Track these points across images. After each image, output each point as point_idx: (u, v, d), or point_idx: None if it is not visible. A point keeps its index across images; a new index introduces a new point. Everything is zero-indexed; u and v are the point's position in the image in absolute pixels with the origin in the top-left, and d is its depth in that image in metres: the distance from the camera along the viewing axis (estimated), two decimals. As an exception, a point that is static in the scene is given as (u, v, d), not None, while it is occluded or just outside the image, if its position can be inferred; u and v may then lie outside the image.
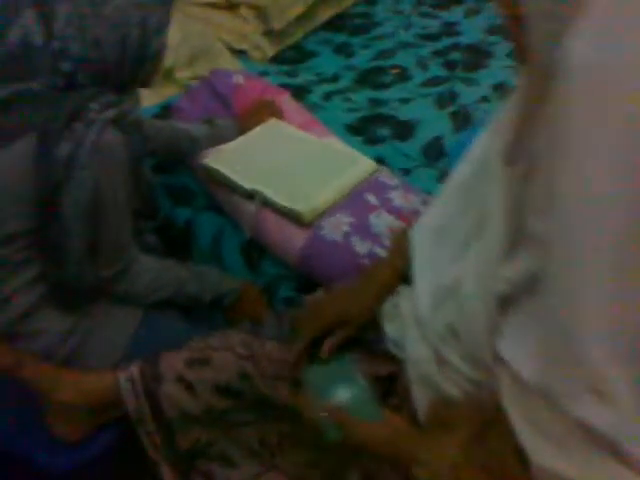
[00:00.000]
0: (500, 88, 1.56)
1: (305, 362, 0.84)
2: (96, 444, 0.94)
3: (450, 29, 1.87)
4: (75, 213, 0.85)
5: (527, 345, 0.61)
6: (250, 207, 1.10)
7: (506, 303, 0.65)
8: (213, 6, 1.77)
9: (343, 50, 1.80)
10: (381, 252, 0.98)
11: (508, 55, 1.70)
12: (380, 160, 1.26)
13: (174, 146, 1.22)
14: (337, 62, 1.74)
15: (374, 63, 1.71)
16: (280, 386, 0.88)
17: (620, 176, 0.49)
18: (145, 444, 0.91)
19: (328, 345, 0.82)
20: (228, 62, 1.62)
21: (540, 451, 0.59)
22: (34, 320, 0.94)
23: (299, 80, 1.62)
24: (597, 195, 0.50)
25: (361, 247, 0.99)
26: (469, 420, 0.66)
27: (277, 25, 1.71)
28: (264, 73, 1.62)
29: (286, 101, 1.34)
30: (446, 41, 1.80)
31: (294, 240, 1.05)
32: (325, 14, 1.89)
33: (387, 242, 0.99)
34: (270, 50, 1.73)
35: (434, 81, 1.61)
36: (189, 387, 0.89)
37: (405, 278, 0.86)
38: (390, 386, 0.84)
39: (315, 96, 1.54)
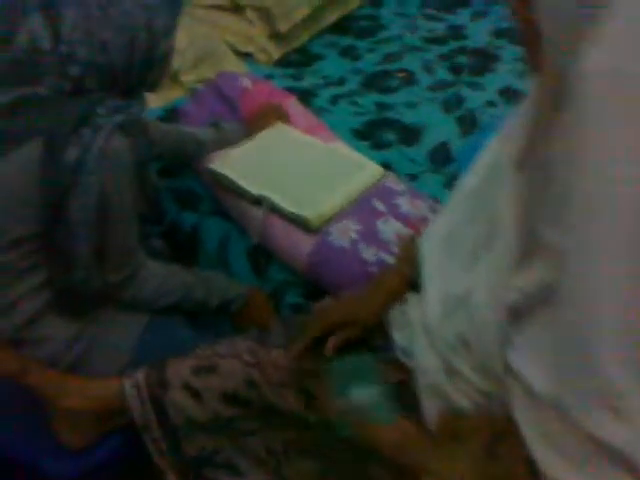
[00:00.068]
0: (507, 92, 1.55)
1: (307, 361, 0.83)
2: (101, 451, 0.94)
3: (456, 32, 1.86)
4: (82, 218, 0.84)
5: (539, 357, 0.60)
6: (257, 212, 1.09)
7: (518, 314, 0.64)
8: (218, 8, 1.77)
9: (349, 53, 1.80)
10: (388, 259, 0.97)
11: (515, 59, 1.70)
12: (386, 165, 1.25)
13: (180, 150, 1.22)
14: (343, 65, 1.73)
15: (380, 67, 1.71)
16: (286, 394, 0.87)
17: (637, 184, 0.48)
18: (151, 451, 0.90)
19: (332, 342, 0.81)
20: (233, 65, 1.62)
21: (552, 464, 0.58)
22: (40, 326, 0.93)
23: (305, 83, 1.62)
24: (614, 203, 0.50)
25: (368, 254, 0.99)
26: (479, 431, 0.66)
27: (283, 27, 1.71)
28: (269, 76, 1.61)
29: (292, 105, 1.34)
30: (452, 45, 1.80)
31: (301, 246, 1.05)
32: (330, 17, 1.88)
33: (394, 249, 0.98)
34: (276, 53, 1.72)
35: (440, 85, 1.61)
36: (195, 394, 0.88)
37: (413, 285, 0.85)
38: (398, 394, 0.83)
39: (321, 100, 1.53)
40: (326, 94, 1.56)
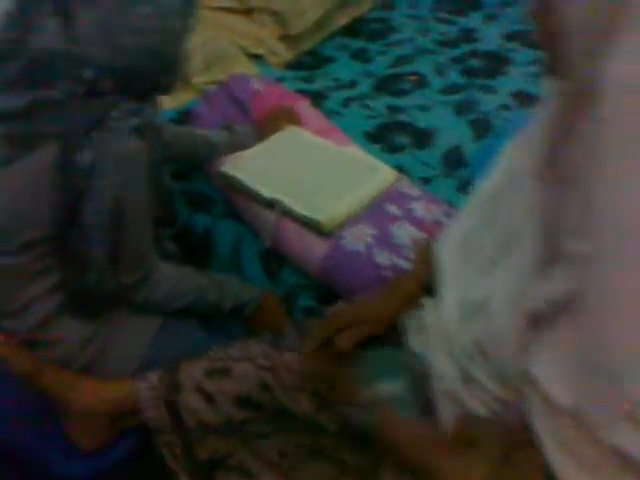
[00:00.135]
0: (520, 96, 1.55)
1: (319, 362, 0.82)
2: (114, 452, 0.94)
3: (468, 35, 1.85)
4: (96, 222, 0.84)
5: (559, 365, 0.60)
6: (270, 216, 1.09)
7: (537, 322, 0.64)
8: (229, 10, 1.77)
9: (360, 56, 1.79)
10: (403, 263, 0.97)
11: (527, 62, 1.69)
12: (399, 168, 1.24)
13: (193, 152, 1.22)
14: (354, 68, 1.73)
15: (392, 70, 1.70)
16: (300, 397, 0.87)
17: None
18: (164, 453, 0.90)
19: (343, 338, 0.80)
20: (245, 67, 1.61)
21: (570, 473, 0.58)
22: (53, 328, 0.93)
23: (316, 86, 1.62)
24: (635, 211, 0.49)
25: (383, 258, 0.98)
26: (496, 439, 0.65)
27: (294, 30, 1.71)
28: (281, 78, 1.61)
29: (305, 108, 1.33)
30: (464, 48, 1.79)
31: (314, 250, 1.04)
32: (342, 19, 1.88)
33: (409, 253, 0.98)
34: (287, 55, 1.72)
35: (453, 88, 1.60)
36: (208, 397, 0.88)
37: (429, 290, 0.85)
38: (422, 392, 0.82)
39: (332, 102, 1.53)
40: (337, 97, 1.56)
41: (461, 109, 1.51)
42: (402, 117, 1.49)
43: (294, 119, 1.28)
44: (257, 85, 1.36)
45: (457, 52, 1.77)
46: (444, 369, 0.75)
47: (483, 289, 0.72)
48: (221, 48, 1.59)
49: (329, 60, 1.78)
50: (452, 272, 0.82)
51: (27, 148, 0.84)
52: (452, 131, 1.43)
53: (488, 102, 1.53)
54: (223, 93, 1.37)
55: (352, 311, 0.85)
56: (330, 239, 1.04)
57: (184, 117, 1.44)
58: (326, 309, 0.96)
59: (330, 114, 1.43)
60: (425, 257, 0.89)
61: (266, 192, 1.11)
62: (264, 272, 1.14)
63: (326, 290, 1.07)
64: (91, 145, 0.81)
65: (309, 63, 1.76)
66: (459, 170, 1.32)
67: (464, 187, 1.27)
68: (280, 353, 0.88)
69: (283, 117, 1.27)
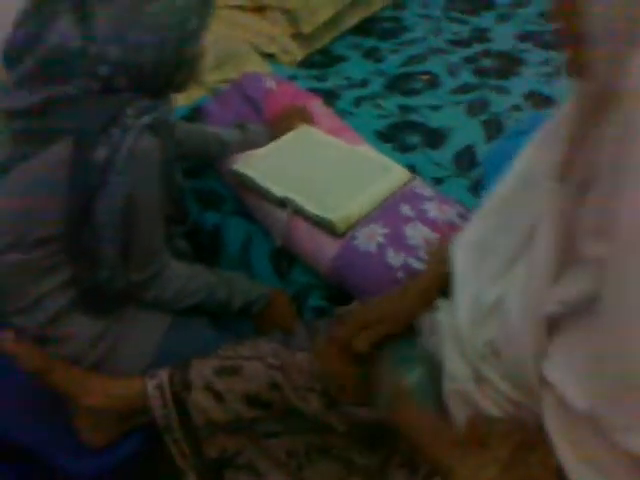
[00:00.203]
0: (532, 97, 1.53)
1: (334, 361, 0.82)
2: (122, 450, 0.94)
3: (481, 35, 1.84)
4: (109, 220, 0.84)
5: (574, 368, 0.60)
6: (281, 215, 1.08)
7: (553, 324, 0.63)
8: (242, 8, 1.77)
9: (372, 55, 1.79)
10: (416, 264, 0.96)
11: (540, 63, 1.68)
12: (411, 168, 1.24)
13: (204, 150, 1.22)
14: (366, 67, 1.72)
15: (403, 69, 1.70)
16: (310, 397, 0.86)
17: None
18: (172, 452, 0.90)
19: (361, 339, 0.80)
20: (257, 65, 1.61)
21: (583, 477, 0.58)
22: (64, 324, 0.93)
23: (328, 84, 1.61)
24: None
25: (395, 259, 0.97)
26: (509, 437, 0.65)
27: (306, 29, 1.70)
28: (293, 77, 1.60)
29: (317, 107, 1.33)
30: (477, 47, 1.78)
31: (326, 249, 1.04)
32: (354, 18, 1.88)
33: (422, 254, 0.97)
34: (299, 54, 1.72)
35: (465, 88, 1.59)
36: (218, 396, 0.88)
37: (443, 291, 0.84)
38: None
39: (344, 102, 1.53)
40: (349, 96, 1.55)
41: (473, 109, 1.50)
42: (414, 117, 1.48)
43: (307, 118, 1.27)
44: (270, 84, 1.35)
45: (470, 52, 1.76)
46: (456, 369, 0.75)
47: (498, 290, 0.71)
48: (233, 46, 1.59)
49: (341, 59, 1.78)
50: (466, 274, 0.81)
51: (42, 144, 0.84)
52: (464, 131, 1.43)
53: (500, 103, 1.52)
54: (235, 91, 1.36)
55: (368, 311, 0.85)
56: (342, 239, 1.03)
57: (194, 114, 1.43)
58: (336, 309, 0.96)
59: (342, 113, 1.42)
60: (440, 257, 0.88)
61: (278, 191, 1.10)
62: (274, 271, 1.14)
63: (336, 290, 1.07)
64: (106, 142, 0.81)
65: (321, 62, 1.76)
66: (471, 171, 1.31)
67: (476, 188, 1.27)
68: (291, 353, 0.88)
69: (296, 116, 1.27)
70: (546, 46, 1.76)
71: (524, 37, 1.81)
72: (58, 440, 0.93)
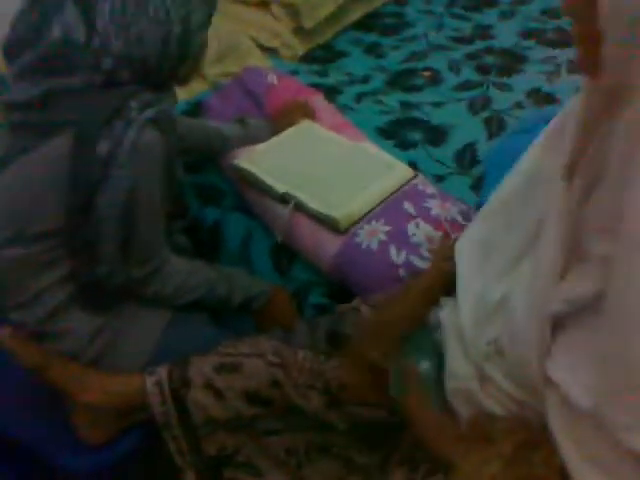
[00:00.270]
0: (534, 94, 1.53)
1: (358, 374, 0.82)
2: (121, 447, 0.93)
3: (483, 32, 1.83)
4: (110, 213, 0.83)
5: (578, 367, 0.60)
6: (282, 211, 1.07)
7: (558, 323, 0.63)
8: (244, 3, 1.75)
9: (373, 50, 1.78)
10: (418, 262, 0.96)
11: (543, 61, 1.67)
12: (412, 165, 1.23)
13: (205, 145, 1.21)
14: (367, 63, 1.71)
15: (405, 65, 1.69)
16: (311, 395, 0.86)
17: None
18: (171, 449, 0.90)
19: (375, 352, 0.79)
20: (258, 60, 1.60)
21: (586, 476, 0.58)
22: (62, 320, 0.92)
23: (330, 80, 1.60)
24: None
25: (397, 256, 0.97)
26: (512, 435, 0.65)
27: (308, 24, 1.69)
28: (294, 72, 1.59)
29: (319, 102, 1.32)
30: (479, 44, 1.77)
31: (327, 246, 1.03)
32: (356, 13, 1.87)
33: (425, 252, 0.97)
34: (300, 49, 1.71)
35: (467, 85, 1.58)
36: (218, 393, 0.88)
37: (448, 287, 0.84)
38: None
39: (345, 97, 1.51)
40: (351, 92, 1.55)
41: (475, 106, 1.49)
42: (415, 113, 1.47)
43: (309, 113, 1.26)
44: (271, 78, 1.34)
45: (472, 49, 1.75)
46: (459, 368, 0.75)
47: (503, 288, 0.71)
48: (234, 40, 1.58)
49: (342, 54, 1.77)
50: (470, 273, 0.81)
51: (42, 137, 0.83)
52: (465, 129, 1.42)
53: (502, 100, 1.51)
54: (236, 86, 1.35)
55: (379, 320, 0.83)
56: (344, 236, 1.02)
57: (195, 109, 1.42)
58: (337, 306, 0.95)
59: (343, 109, 1.41)
60: (443, 255, 0.88)
61: (279, 187, 1.09)
62: (274, 267, 1.13)
63: (337, 287, 1.06)
64: (109, 135, 0.80)
65: (322, 57, 1.75)
66: (472, 168, 1.30)
67: (477, 185, 1.26)
68: (292, 350, 0.88)
69: (297, 111, 1.26)
70: (549, 44, 1.75)
71: (527, 34, 1.80)
72: (56, 437, 0.92)
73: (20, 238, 0.88)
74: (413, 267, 0.96)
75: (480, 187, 1.25)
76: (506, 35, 1.80)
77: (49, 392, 0.91)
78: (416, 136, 1.39)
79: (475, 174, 1.29)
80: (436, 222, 1.01)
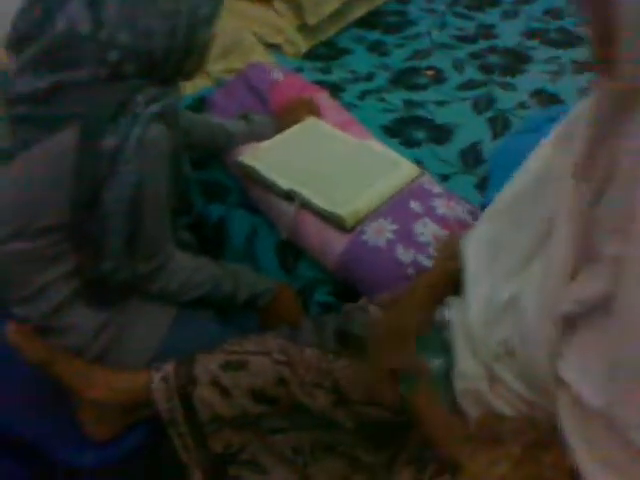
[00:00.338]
0: (538, 94, 1.53)
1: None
2: (126, 443, 0.93)
3: (486, 31, 1.83)
4: (116, 208, 0.82)
5: (590, 368, 0.60)
6: (288, 208, 1.07)
7: (570, 324, 0.63)
8: (247, -1, 1.74)
9: (377, 48, 1.77)
10: (426, 262, 0.96)
11: (546, 61, 1.67)
12: (417, 164, 1.23)
13: (210, 141, 1.20)
14: (371, 60, 1.71)
15: (409, 63, 1.68)
16: (317, 393, 0.86)
17: None
18: (177, 446, 0.89)
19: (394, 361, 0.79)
20: (261, 56, 1.59)
21: (597, 475, 0.58)
22: (67, 315, 0.92)
23: (333, 77, 1.60)
24: None
25: (405, 255, 0.97)
26: (521, 435, 0.65)
27: (311, 20, 1.69)
28: (298, 69, 1.59)
29: (324, 99, 1.31)
30: (482, 44, 1.77)
31: (334, 244, 1.03)
32: (358, 11, 1.86)
33: (432, 251, 0.97)
34: (304, 45, 1.70)
35: (470, 84, 1.58)
36: (224, 391, 0.87)
37: (454, 286, 0.84)
38: None
39: (349, 95, 1.51)
40: (354, 89, 1.54)
41: (479, 106, 1.49)
42: (419, 112, 1.47)
43: (314, 110, 1.26)
44: (276, 75, 1.34)
45: (475, 48, 1.75)
46: (468, 368, 0.75)
47: (513, 287, 0.71)
48: (238, 37, 1.57)
49: (345, 51, 1.76)
50: (478, 272, 0.81)
51: (48, 131, 0.82)
52: (470, 128, 1.42)
53: (506, 100, 1.51)
54: (241, 82, 1.35)
55: (394, 324, 0.83)
56: (350, 234, 1.02)
57: (198, 104, 1.42)
58: (344, 305, 0.95)
59: (347, 107, 1.41)
60: (447, 253, 0.88)
61: (285, 184, 1.09)
62: (279, 265, 1.13)
63: (343, 285, 1.06)
64: (115, 130, 0.80)
65: (325, 54, 1.75)
66: (477, 167, 1.30)
67: (482, 185, 1.26)
68: (299, 349, 0.87)
69: (303, 108, 1.25)
70: (552, 44, 1.75)
71: (530, 34, 1.80)
72: (61, 433, 0.92)
73: (24, 232, 0.88)
74: (420, 266, 0.95)
75: (485, 187, 1.25)
76: (509, 35, 1.80)
77: (54, 388, 0.90)
78: (420, 135, 1.39)
79: (480, 173, 1.29)
80: (443, 221, 1.01)
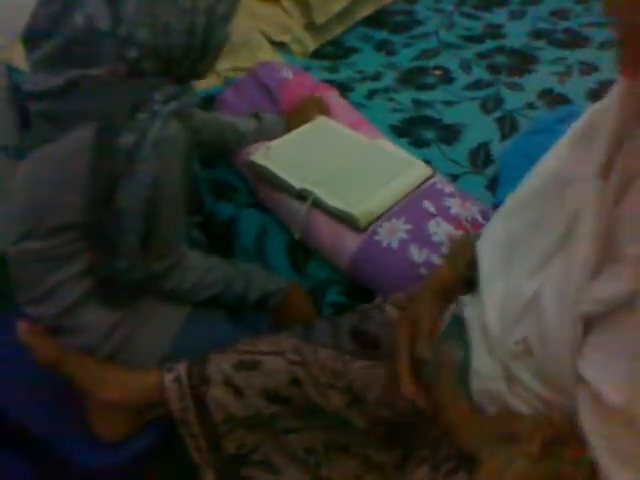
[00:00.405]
0: (546, 95, 1.52)
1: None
2: (138, 444, 0.92)
3: (494, 31, 1.83)
4: (133, 207, 0.82)
5: (610, 365, 0.60)
6: (300, 207, 1.06)
7: (589, 323, 0.63)
8: (256, -3, 1.73)
9: (384, 47, 1.77)
10: (439, 261, 0.95)
11: (553, 61, 1.67)
12: (427, 164, 1.22)
13: (220, 139, 1.19)
14: (378, 59, 1.71)
15: (416, 63, 1.68)
16: (331, 394, 0.85)
17: None
18: (189, 447, 0.89)
19: (423, 347, 0.78)
20: (269, 55, 1.58)
21: (615, 471, 0.58)
22: (79, 314, 0.91)
23: (341, 76, 1.59)
24: None
25: (418, 255, 0.96)
26: (539, 432, 0.65)
27: (319, 19, 1.68)
28: (306, 68, 1.58)
29: (334, 98, 1.31)
30: (490, 44, 1.76)
31: (347, 244, 1.02)
32: (365, 10, 1.85)
33: (445, 251, 0.96)
34: (311, 44, 1.69)
35: (478, 85, 1.58)
36: (237, 391, 0.87)
37: (466, 284, 0.83)
38: None
39: (357, 94, 1.50)
40: (362, 89, 1.54)
41: (487, 106, 1.49)
42: (428, 112, 1.46)
43: (324, 109, 1.25)
44: (286, 73, 1.33)
45: (482, 48, 1.74)
46: (484, 367, 0.75)
47: (533, 287, 0.71)
48: (246, 35, 1.56)
49: (352, 50, 1.76)
50: (493, 272, 0.80)
51: (64, 128, 0.82)
52: (478, 128, 1.41)
53: (514, 100, 1.51)
54: (250, 81, 1.34)
55: (409, 321, 0.81)
56: (363, 233, 1.02)
57: (206, 102, 1.40)
58: (360, 306, 0.94)
59: (355, 106, 1.40)
60: (462, 252, 0.87)
61: (297, 183, 1.08)
62: (290, 265, 1.12)
63: (354, 285, 1.05)
64: (132, 128, 0.79)
65: (332, 53, 1.74)
66: (486, 168, 1.30)
67: (492, 185, 1.26)
68: (313, 349, 0.87)
69: (313, 107, 1.25)
70: (559, 44, 1.75)
71: (537, 35, 1.80)
72: (73, 433, 0.91)
73: (38, 232, 0.87)
74: (434, 266, 0.95)
75: (494, 187, 1.25)
76: (516, 35, 1.80)
77: (66, 388, 0.90)
78: (429, 135, 1.39)
79: (489, 174, 1.28)
80: (456, 221, 1.00)
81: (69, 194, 0.84)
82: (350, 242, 1.02)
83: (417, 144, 1.34)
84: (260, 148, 1.17)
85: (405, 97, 1.52)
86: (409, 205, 1.04)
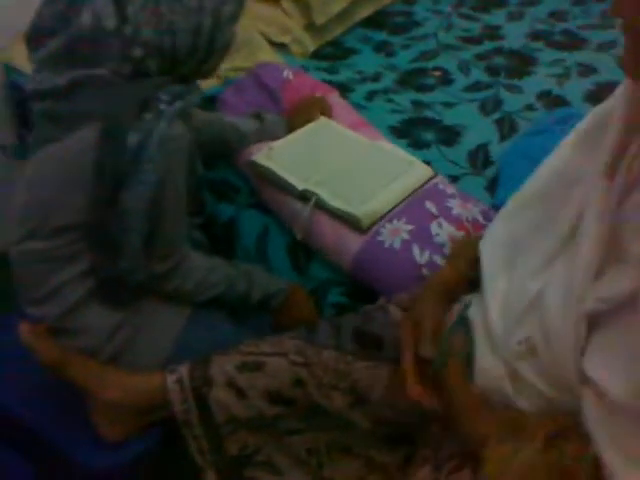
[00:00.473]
0: (545, 97, 1.53)
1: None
2: (140, 445, 0.92)
3: (492, 33, 1.83)
4: (137, 207, 0.82)
5: (615, 364, 0.60)
6: (302, 208, 1.06)
7: (593, 321, 0.64)
8: (255, -3, 1.73)
9: (383, 49, 1.77)
10: (441, 262, 0.96)
11: (552, 63, 1.67)
12: (427, 165, 1.23)
13: (222, 140, 1.19)
14: (377, 61, 1.71)
15: (415, 64, 1.68)
16: (334, 395, 0.85)
17: None
18: (191, 448, 0.89)
19: (426, 346, 0.78)
20: (268, 55, 1.58)
21: (619, 468, 0.58)
22: (82, 315, 0.91)
23: (340, 77, 1.59)
24: None
25: (421, 256, 0.97)
26: (543, 427, 0.65)
27: (319, 20, 1.68)
28: (305, 68, 1.58)
29: (335, 99, 1.31)
30: (488, 45, 1.77)
31: (349, 244, 1.02)
32: (364, 11, 1.85)
33: (448, 252, 0.96)
34: (310, 45, 1.69)
35: (477, 86, 1.58)
36: (240, 392, 0.87)
37: (468, 284, 0.84)
38: None
39: (357, 95, 1.51)
40: (362, 90, 1.54)
41: (486, 107, 1.50)
42: (427, 113, 1.47)
43: (326, 110, 1.25)
44: (287, 74, 1.33)
45: (481, 49, 1.75)
46: (487, 365, 0.75)
47: (537, 287, 0.71)
48: (245, 35, 1.56)
49: (351, 51, 1.76)
50: (496, 272, 0.81)
51: (68, 128, 0.81)
52: (478, 129, 1.42)
53: (513, 102, 1.51)
54: (252, 81, 1.34)
55: (413, 320, 0.82)
56: (365, 234, 1.02)
57: (206, 103, 1.40)
58: (364, 307, 0.94)
59: (355, 107, 1.40)
60: (464, 252, 0.87)
61: (300, 184, 1.08)
62: (291, 265, 1.12)
63: (356, 286, 1.06)
64: (138, 128, 0.79)
65: (331, 54, 1.74)
66: (486, 169, 1.30)
67: (491, 186, 1.26)
68: (316, 350, 0.87)
69: (315, 107, 1.25)
70: (558, 46, 1.75)
71: (535, 36, 1.80)
72: (75, 434, 0.91)
73: (41, 232, 0.87)
74: (436, 267, 0.95)
75: (494, 188, 1.25)
76: (515, 36, 1.80)
77: (68, 388, 0.90)
78: (429, 136, 1.39)
79: (489, 175, 1.29)
80: (458, 222, 1.01)
81: (73, 194, 0.84)
82: (353, 243, 1.02)
83: (417, 145, 1.35)
84: (262, 148, 1.16)
85: (404, 98, 1.52)
86: (411, 206, 1.04)
